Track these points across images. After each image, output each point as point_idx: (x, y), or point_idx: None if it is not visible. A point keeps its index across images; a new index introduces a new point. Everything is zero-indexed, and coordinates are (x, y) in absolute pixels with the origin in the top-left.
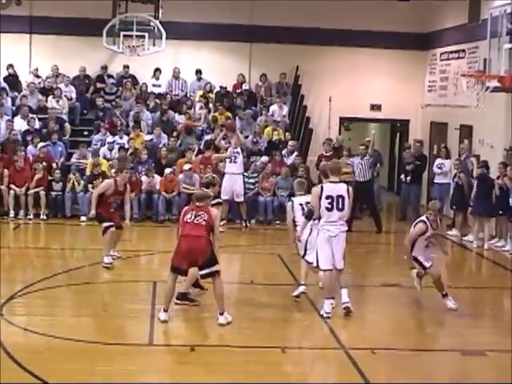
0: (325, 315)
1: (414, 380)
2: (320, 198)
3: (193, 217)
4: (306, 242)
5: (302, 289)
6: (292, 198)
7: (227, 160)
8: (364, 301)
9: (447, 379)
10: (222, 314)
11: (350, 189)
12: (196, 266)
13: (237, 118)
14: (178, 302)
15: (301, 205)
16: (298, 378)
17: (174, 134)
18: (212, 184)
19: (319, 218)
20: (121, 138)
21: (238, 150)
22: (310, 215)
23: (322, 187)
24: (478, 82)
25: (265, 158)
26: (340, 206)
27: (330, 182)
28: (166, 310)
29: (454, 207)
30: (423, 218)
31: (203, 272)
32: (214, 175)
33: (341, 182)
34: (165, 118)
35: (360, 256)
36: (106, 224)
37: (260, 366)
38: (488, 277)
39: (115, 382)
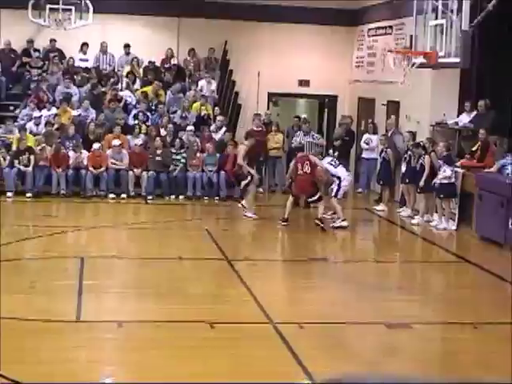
0: None
1: (340, 353)
2: None
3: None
4: None
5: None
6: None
7: None
8: (292, 275)
9: (373, 352)
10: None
11: None
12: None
13: (168, 92)
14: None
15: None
16: (226, 353)
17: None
18: None
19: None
20: (49, 110)
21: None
22: None
23: None
24: (405, 59)
25: (191, 128)
26: None
27: None
28: None
29: (381, 182)
30: None
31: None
32: None
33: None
34: (96, 91)
35: (286, 230)
36: None
37: (188, 341)
38: (414, 251)
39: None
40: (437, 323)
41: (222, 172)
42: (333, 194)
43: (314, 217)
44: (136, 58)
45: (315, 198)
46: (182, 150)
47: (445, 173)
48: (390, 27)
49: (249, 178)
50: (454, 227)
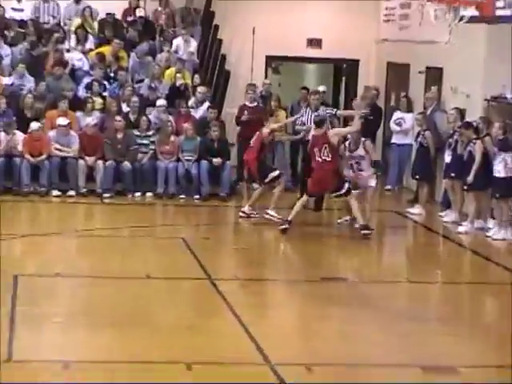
0: None
1: None
2: None
3: None
4: None
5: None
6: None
7: None
8: (297, 300)
9: None
10: None
11: None
12: None
13: (132, 54)
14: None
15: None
16: None
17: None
18: None
19: None
20: None
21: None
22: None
23: None
24: (450, 10)
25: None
26: None
27: None
28: None
29: (418, 176)
30: None
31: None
32: None
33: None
34: (35, 52)
35: (291, 240)
36: None
37: None
38: (461, 269)
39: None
40: (489, 366)
41: (204, 162)
42: (373, 183)
43: (327, 221)
44: (89, 7)
45: (342, 191)
46: (150, 132)
47: (503, 163)
48: None
49: (277, 171)
50: None
